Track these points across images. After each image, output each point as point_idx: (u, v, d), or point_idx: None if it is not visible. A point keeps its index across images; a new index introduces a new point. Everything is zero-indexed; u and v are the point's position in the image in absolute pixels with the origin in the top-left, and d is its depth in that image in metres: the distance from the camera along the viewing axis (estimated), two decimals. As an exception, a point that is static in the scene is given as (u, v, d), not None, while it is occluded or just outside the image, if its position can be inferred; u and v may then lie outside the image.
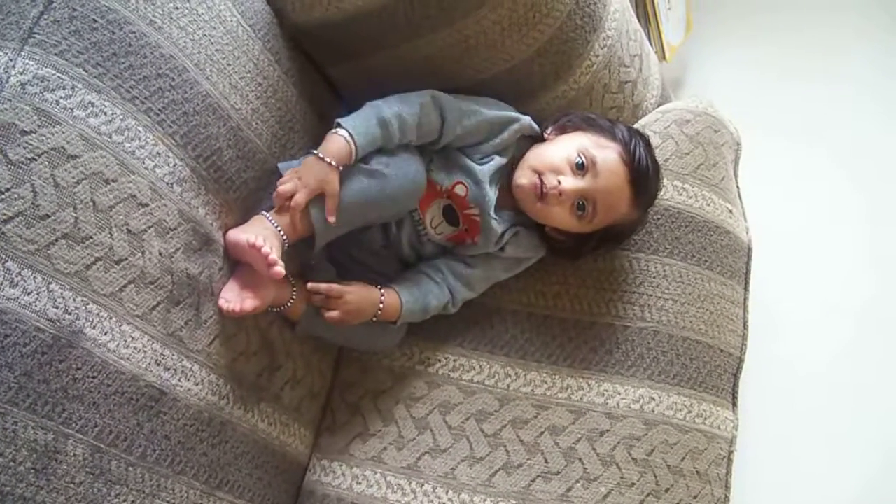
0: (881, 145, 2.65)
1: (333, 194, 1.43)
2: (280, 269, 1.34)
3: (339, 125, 1.47)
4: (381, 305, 1.56)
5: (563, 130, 1.63)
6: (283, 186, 1.43)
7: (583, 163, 1.53)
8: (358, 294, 1.54)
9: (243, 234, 1.38)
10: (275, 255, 1.34)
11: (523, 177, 1.58)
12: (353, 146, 1.45)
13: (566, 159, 1.55)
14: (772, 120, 2.62)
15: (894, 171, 2.62)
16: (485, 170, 1.59)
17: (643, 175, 1.55)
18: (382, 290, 1.57)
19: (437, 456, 1.65)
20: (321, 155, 1.43)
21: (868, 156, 2.64)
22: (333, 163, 1.43)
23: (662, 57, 2.57)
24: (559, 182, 1.53)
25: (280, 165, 1.53)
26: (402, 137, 1.51)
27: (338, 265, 1.67)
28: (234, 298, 1.39)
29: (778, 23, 2.91)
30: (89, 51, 1.19)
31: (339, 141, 1.45)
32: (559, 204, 1.55)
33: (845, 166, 2.63)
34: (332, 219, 1.44)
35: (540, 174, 1.55)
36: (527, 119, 1.64)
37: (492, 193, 1.59)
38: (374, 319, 1.57)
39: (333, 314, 1.51)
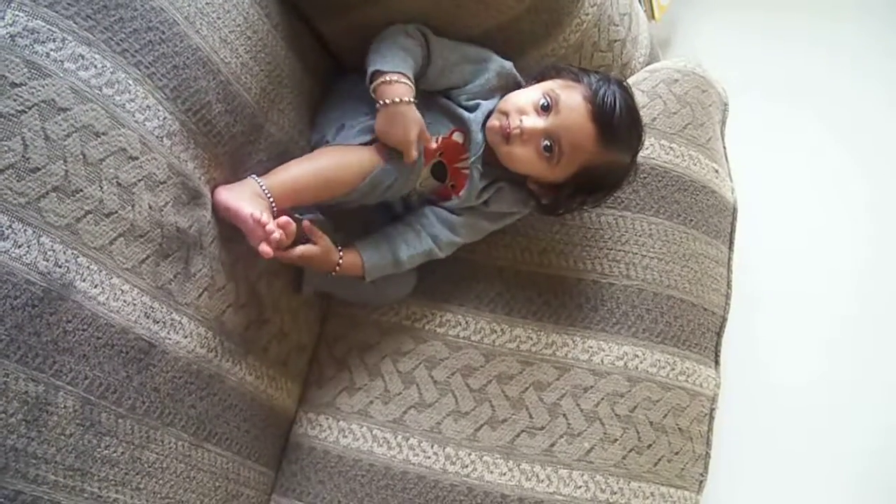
0: (868, 108, 2.67)
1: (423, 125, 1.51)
2: (269, 250, 1.34)
3: (377, 71, 1.50)
4: (338, 267, 1.58)
5: (538, 80, 1.64)
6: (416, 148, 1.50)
7: (547, 104, 1.54)
8: (316, 251, 1.54)
9: (246, 209, 1.37)
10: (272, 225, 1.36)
11: (493, 118, 1.59)
12: (409, 82, 1.50)
13: (532, 102, 1.56)
14: (759, 81, 2.64)
15: (881, 133, 2.64)
16: (475, 116, 1.60)
17: (607, 112, 1.53)
18: (342, 252, 1.58)
19: (423, 410, 1.67)
20: (406, 98, 1.49)
21: (854, 118, 2.66)
22: (413, 100, 1.50)
23: (651, 16, 2.57)
24: (521, 121, 1.54)
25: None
26: (417, 62, 1.56)
27: (326, 215, 1.68)
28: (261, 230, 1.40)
29: (767, -17, 2.91)
30: (79, 3, 1.18)
31: (405, 85, 1.50)
32: (523, 144, 1.55)
33: (831, 128, 2.65)
34: (434, 144, 1.54)
35: (507, 115, 1.56)
36: (508, 63, 1.65)
37: (480, 140, 1.61)
38: (334, 273, 1.59)
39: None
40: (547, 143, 1.53)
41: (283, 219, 1.38)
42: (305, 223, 1.51)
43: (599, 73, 1.62)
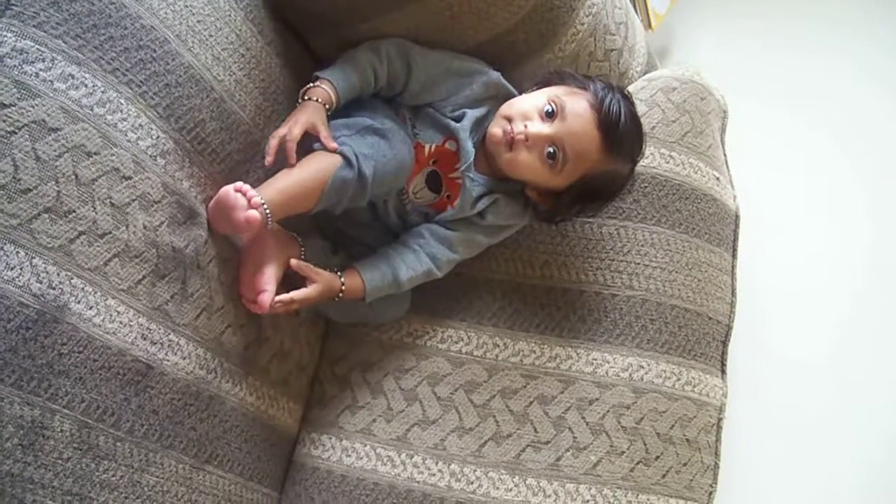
0: (867, 114, 2.66)
1: (323, 124, 1.46)
2: (255, 213, 1.33)
3: (317, 77, 1.52)
4: (342, 293, 1.56)
5: (542, 86, 1.63)
6: (278, 130, 1.45)
7: (552, 110, 1.53)
8: (317, 290, 1.52)
9: (228, 186, 1.37)
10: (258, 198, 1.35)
11: (495, 125, 1.58)
12: (333, 93, 1.50)
13: (536, 107, 1.55)
14: (758, 88, 2.63)
15: (880, 139, 2.63)
16: (462, 125, 1.59)
17: (613, 121, 1.52)
18: (343, 277, 1.56)
19: (427, 427, 1.65)
20: (316, 100, 1.48)
21: (854, 124, 2.65)
22: (320, 100, 1.48)
23: (648, 25, 2.56)
24: (526, 127, 1.53)
25: None
26: (376, 83, 1.57)
27: (329, 240, 1.67)
28: (250, 293, 1.45)
29: (763, -9, 2.92)
30: (68, 22, 1.17)
31: (321, 89, 1.50)
32: (527, 150, 1.53)
33: (831, 134, 2.64)
34: (333, 145, 1.44)
35: (510, 121, 1.55)
36: (495, 73, 1.63)
37: (470, 147, 1.59)
38: (338, 299, 1.57)
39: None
40: (551, 149, 1.52)
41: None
42: (293, 262, 1.50)
43: (603, 80, 1.61)
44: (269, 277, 1.45)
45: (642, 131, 1.62)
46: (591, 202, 1.64)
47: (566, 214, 1.67)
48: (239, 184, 1.36)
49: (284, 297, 1.47)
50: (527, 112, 1.55)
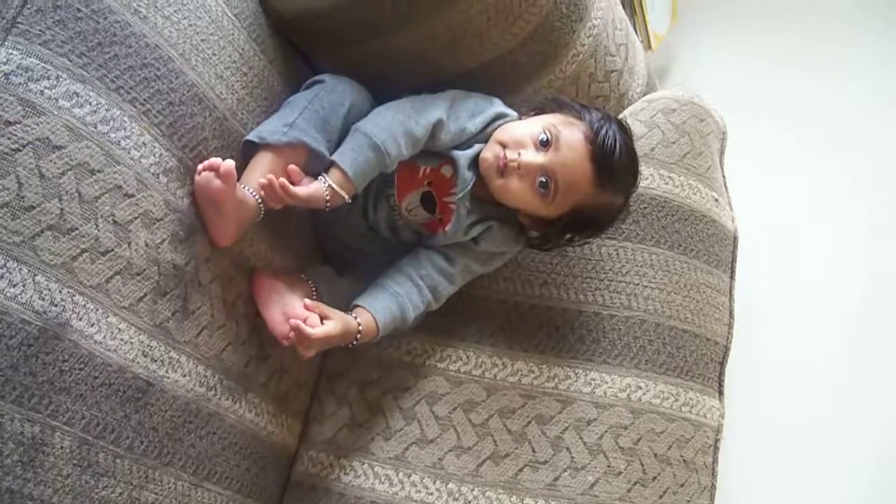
0: (868, 134, 2.66)
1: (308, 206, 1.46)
2: (229, 162, 1.32)
3: (342, 174, 1.47)
4: (359, 335, 1.52)
5: (537, 113, 1.62)
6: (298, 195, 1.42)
7: (547, 139, 1.51)
8: (336, 327, 1.47)
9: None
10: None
11: (488, 150, 1.56)
12: (348, 197, 1.48)
13: (531, 135, 1.53)
14: (757, 109, 2.63)
15: (881, 160, 2.63)
16: (465, 153, 1.58)
17: (606, 154, 1.50)
18: (358, 319, 1.52)
19: (425, 446, 1.65)
20: (327, 207, 1.47)
21: (854, 144, 2.65)
22: (347, 197, 1.47)
23: (648, 46, 2.58)
24: (519, 155, 1.52)
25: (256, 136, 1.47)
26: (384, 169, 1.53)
27: (334, 258, 1.69)
28: (283, 327, 1.44)
29: (762, 11, 2.92)
30: (73, 40, 1.18)
31: (341, 200, 1.48)
32: (519, 178, 1.52)
33: (832, 155, 2.64)
34: (273, 205, 1.42)
35: (504, 147, 1.54)
36: (514, 114, 1.62)
37: (468, 177, 1.58)
38: (353, 344, 1.54)
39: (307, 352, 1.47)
40: (543, 179, 1.51)
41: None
42: (307, 302, 1.47)
43: (600, 110, 1.60)
44: (299, 309, 1.45)
45: (637, 165, 1.61)
46: (581, 232, 1.63)
47: (556, 242, 1.66)
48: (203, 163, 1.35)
49: (316, 332, 1.43)
50: (521, 139, 1.53)
